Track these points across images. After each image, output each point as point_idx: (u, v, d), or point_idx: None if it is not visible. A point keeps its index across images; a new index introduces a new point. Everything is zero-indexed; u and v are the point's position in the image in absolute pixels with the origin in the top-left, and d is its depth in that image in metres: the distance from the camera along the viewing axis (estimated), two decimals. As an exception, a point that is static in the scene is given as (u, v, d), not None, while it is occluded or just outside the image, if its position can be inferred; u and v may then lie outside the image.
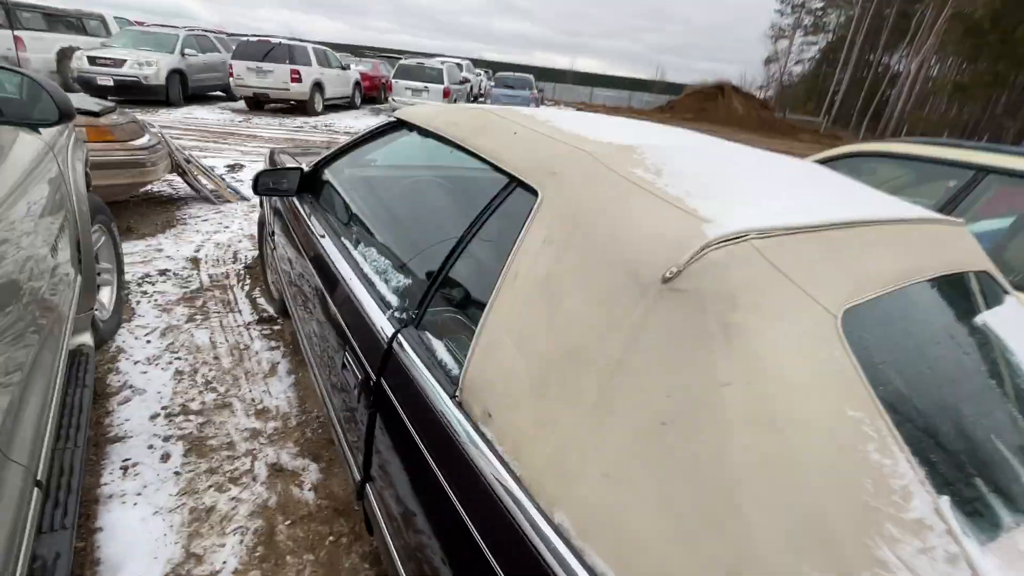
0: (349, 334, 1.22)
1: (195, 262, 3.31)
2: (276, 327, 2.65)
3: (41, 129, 1.70)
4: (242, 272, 3.26)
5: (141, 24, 11.54)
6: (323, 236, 1.57)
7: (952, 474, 0.66)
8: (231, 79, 10.66)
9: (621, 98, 36.71)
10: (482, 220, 1.07)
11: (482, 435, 0.81)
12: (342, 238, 1.51)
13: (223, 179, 5.06)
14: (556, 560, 0.64)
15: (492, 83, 14.30)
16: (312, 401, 2.13)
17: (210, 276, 3.14)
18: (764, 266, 0.70)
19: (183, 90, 10.46)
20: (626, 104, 34.72)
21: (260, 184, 1.81)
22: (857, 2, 40.33)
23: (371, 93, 15.15)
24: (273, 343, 2.51)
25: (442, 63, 13.89)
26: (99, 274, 2.32)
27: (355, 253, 1.40)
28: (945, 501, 0.60)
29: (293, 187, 1.84)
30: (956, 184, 2.23)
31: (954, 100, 39.83)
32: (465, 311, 1.07)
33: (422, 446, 0.90)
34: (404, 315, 1.11)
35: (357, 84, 13.88)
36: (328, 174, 1.85)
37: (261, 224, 2.70)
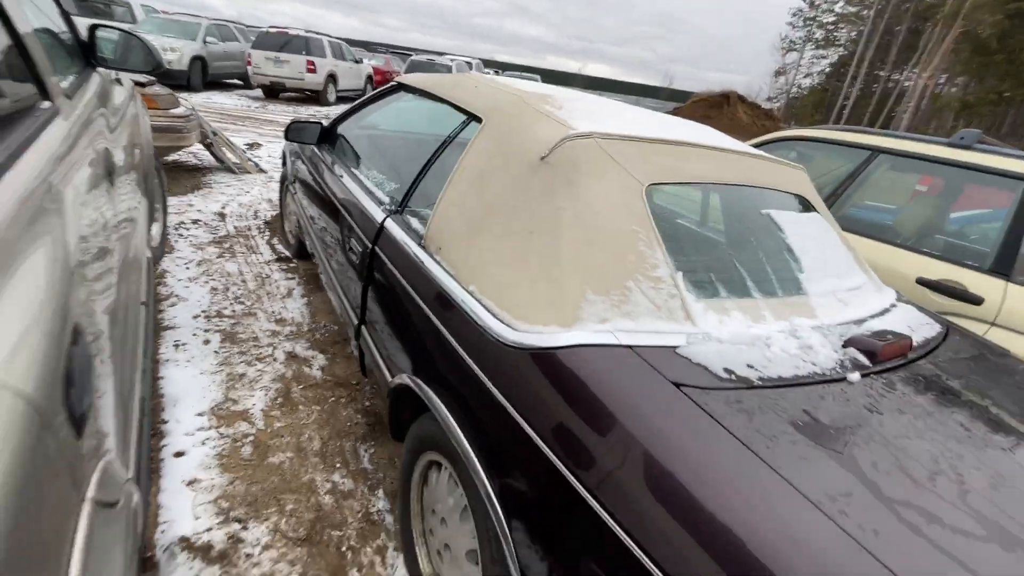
0: (354, 225, 1.71)
1: (222, 216, 3.82)
2: (291, 265, 3.15)
3: (123, 80, 2.20)
4: (262, 226, 3.76)
5: (167, 13, 12.11)
6: (340, 175, 2.06)
7: (693, 268, 1.15)
8: (249, 67, 11.20)
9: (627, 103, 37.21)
10: (446, 144, 1.57)
11: (436, 261, 1.30)
12: (352, 168, 2.01)
13: (244, 152, 5.57)
14: (469, 307, 1.12)
15: (499, 81, 14.97)
16: (321, 316, 2.62)
17: (235, 227, 3.65)
18: (600, 153, 1.19)
19: (203, 76, 11.01)
20: (633, 109, 35.13)
21: (291, 132, 2.31)
22: (868, 18, 40.64)
23: (382, 86, 15.69)
24: (289, 275, 3.01)
25: (452, 61, 14.43)
26: (154, 210, 2.82)
27: (360, 176, 1.90)
28: (680, 275, 1.08)
29: (314, 137, 2.34)
30: (856, 160, 2.72)
31: (960, 118, 40.06)
32: (429, 204, 1.56)
33: (400, 277, 1.39)
34: (392, 207, 1.60)
35: (369, 78, 14.43)
36: (342, 127, 2.35)
37: (283, 180, 3.20)
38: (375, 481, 1.70)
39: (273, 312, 2.59)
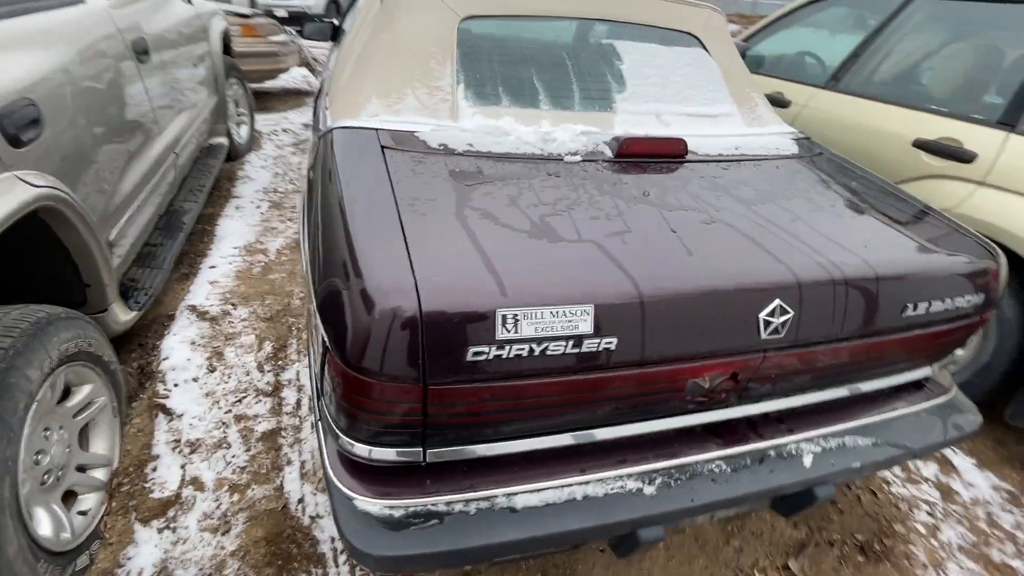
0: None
1: (307, 126, 4.58)
2: (343, 159, 3.76)
3: (193, 2, 2.84)
4: (336, 133, 4.44)
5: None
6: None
7: (484, 83, 1.34)
8: (374, 4, 12.07)
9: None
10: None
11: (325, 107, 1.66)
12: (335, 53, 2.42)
13: (344, 78, 6.35)
14: (328, 122, 1.48)
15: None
16: (348, 194, 3.19)
17: (314, 134, 4.38)
18: None
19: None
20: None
21: (306, 31, 2.78)
22: None
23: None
24: (337, 166, 3.62)
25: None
26: (239, 114, 3.59)
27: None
28: (461, 87, 1.31)
29: (327, 35, 2.78)
30: (884, 13, 2.35)
31: None
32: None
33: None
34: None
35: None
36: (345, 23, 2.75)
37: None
38: (336, 297, 2.22)
39: (314, 191, 3.22)
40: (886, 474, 1.78)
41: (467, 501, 0.87)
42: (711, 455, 1.00)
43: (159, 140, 2.03)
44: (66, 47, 1.42)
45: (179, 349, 1.80)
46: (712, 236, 0.96)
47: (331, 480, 0.87)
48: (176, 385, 1.69)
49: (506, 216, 0.92)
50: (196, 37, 2.73)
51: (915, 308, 0.99)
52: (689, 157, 1.27)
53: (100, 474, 1.39)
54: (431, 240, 0.84)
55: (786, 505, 1.10)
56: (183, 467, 1.46)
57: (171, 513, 1.36)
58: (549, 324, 0.76)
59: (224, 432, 1.57)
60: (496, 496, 0.88)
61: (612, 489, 0.93)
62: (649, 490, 0.94)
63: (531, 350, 0.77)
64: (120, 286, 1.72)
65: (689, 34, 1.62)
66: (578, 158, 1.17)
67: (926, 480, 1.79)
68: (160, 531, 1.32)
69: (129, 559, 1.25)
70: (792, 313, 0.89)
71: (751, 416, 1.06)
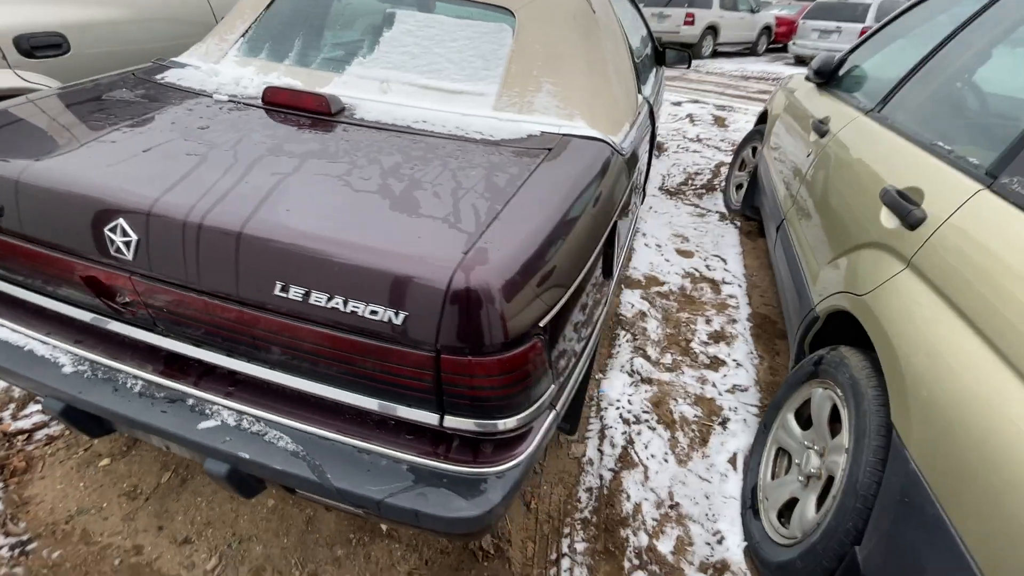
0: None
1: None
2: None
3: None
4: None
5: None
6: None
7: (263, 40, 1.53)
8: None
9: None
10: None
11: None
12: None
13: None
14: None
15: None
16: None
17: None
18: None
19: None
20: None
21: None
22: None
23: (785, 40, 14.07)
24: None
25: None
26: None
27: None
28: (242, 40, 1.54)
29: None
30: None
31: None
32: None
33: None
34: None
35: (766, 29, 13.26)
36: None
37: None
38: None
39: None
40: None
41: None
42: (139, 372, 1.04)
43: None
44: (122, 8, 2.19)
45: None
46: (178, 164, 0.98)
47: None
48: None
49: (79, 118, 1.16)
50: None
51: (287, 291, 0.82)
52: (342, 118, 1.23)
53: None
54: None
55: (234, 480, 1.02)
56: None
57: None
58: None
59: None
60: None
61: (45, 354, 1.08)
62: (67, 369, 1.05)
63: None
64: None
65: (506, 10, 1.46)
66: (225, 98, 1.29)
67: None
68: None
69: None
70: (135, 237, 0.88)
71: (205, 363, 1.03)
